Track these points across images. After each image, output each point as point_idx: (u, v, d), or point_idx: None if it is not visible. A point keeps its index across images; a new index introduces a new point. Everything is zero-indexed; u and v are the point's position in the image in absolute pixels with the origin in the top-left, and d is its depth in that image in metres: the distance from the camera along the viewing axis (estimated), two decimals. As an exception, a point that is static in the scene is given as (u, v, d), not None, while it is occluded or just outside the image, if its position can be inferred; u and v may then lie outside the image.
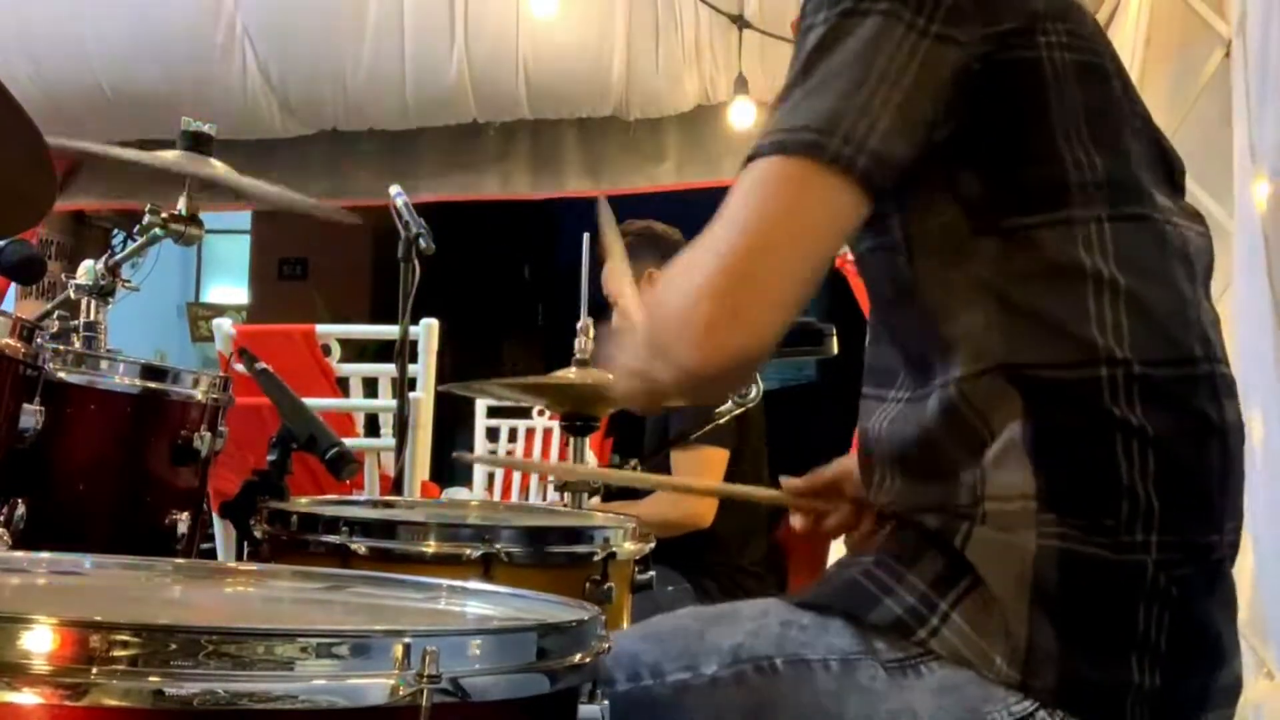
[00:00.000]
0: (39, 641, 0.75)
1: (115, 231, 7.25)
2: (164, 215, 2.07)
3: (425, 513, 1.85)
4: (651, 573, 1.70)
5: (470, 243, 6.63)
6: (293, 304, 7.75)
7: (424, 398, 3.14)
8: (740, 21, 4.45)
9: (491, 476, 4.62)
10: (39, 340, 1.66)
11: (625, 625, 1.64)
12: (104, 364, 1.77)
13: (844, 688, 1.11)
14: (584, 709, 0.93)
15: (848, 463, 1.44)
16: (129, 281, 2.08)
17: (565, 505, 2.07)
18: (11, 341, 1.59)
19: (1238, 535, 1.16)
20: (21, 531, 1.62)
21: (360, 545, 1.45)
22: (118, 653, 0.75)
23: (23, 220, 2.05)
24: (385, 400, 3.24)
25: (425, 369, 3.19)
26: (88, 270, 2.01)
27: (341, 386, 3.39)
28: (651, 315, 1.13)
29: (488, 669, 0.85)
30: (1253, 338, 1.98)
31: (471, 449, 4.61)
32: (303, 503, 1.71)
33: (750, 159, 1.08)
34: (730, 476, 3.01)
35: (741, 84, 4.50)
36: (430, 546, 1.48)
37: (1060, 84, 1.12)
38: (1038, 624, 1.05)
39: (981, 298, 1.11)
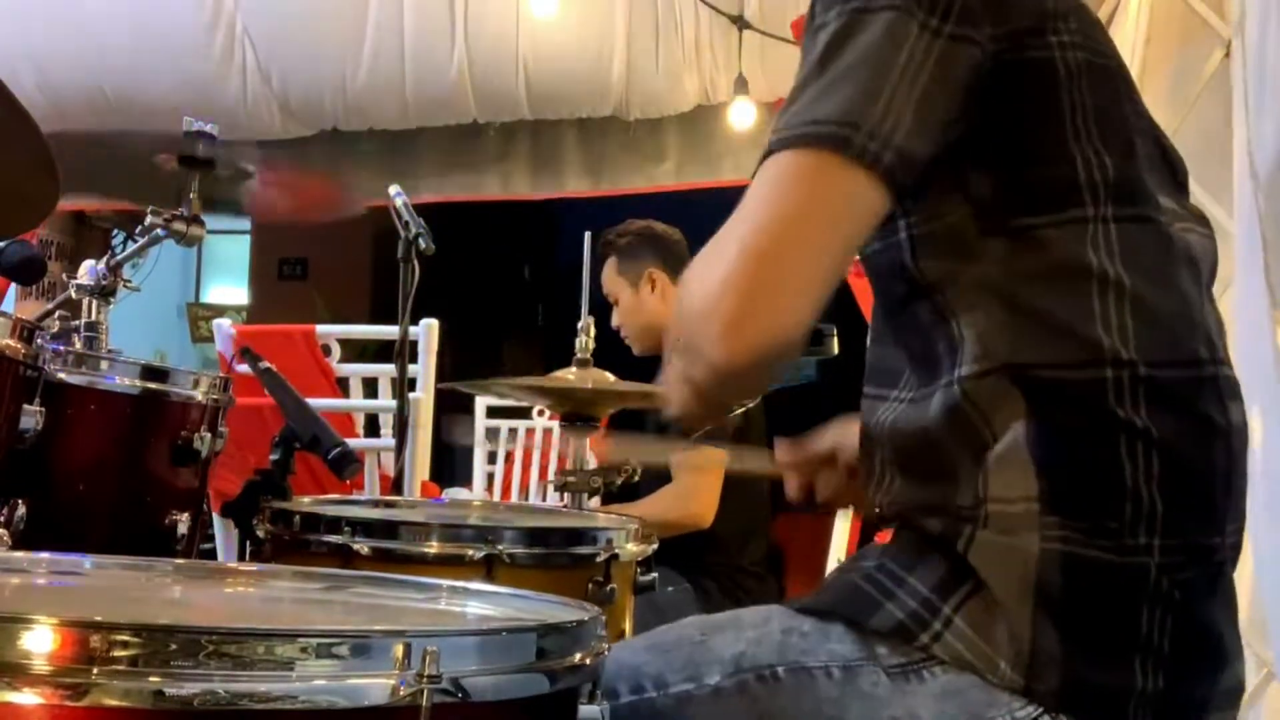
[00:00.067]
0: (39, 641, 0.75)
1: (115, 231, 7.25)
2: (165, 215, 2.08)
3: (427, 513, 1.85)
4: (654, 574, 1.70)
5: (470, 243, 6.63)
6: (293, 304, 7.75)
7: (424, 398, 3.14)
8: (740, 21, 4.45)
9: (492, 476, 4.62)
10: (39, 341, 1.66)
11: (627, 626, 1.64)
12: (104, 364, 1.77)
13: (846, 694, 1.11)
14: (584, 709, 0.93)
15: (842, 431, 1.44)
16: (130, 281, 2.09)
17: (566, 506, 2.07)
18: (11, 342, 1.59)
19: (1240, 537, 1.15)
20: (21, 532, 1.62)
21: (362, 546, 1.45)
22: (118, 653, 0.75)
23: (24, 221, 2.05)
24: (385, 400, 3.24)
25: (425, 369, 3.19)
26: (88, 270, 2.02)
27: (341, 386, 3.39)
28: (679, 314, 1.12)
29: (488, 669, 0.85)
30: (1251, 339, 1.99)
31: (471, 449, 4.61)
32: (305, 503, 1.71)
33: (770, 152, 1.07)
34: (729, 476, 3.01)
35: (741, 84, 4.50)
36: (432, 547, 1.48)
37: (1072, 83, 1.12)
38: (1041, 628, 1.05)
39: (987, 298, 1.10)
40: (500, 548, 1.46)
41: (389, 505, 1.96)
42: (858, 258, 1.21)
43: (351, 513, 1.56)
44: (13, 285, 4.93)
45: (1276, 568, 2.01)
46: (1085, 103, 1.12)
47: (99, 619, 0.78)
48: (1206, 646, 1.10)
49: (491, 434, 4.59)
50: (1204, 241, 1.21)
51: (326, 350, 3.35)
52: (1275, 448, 1.92)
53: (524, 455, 4.59)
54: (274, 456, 1.70)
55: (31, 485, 1.66)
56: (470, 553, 1.46)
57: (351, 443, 1.77)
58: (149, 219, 2.08)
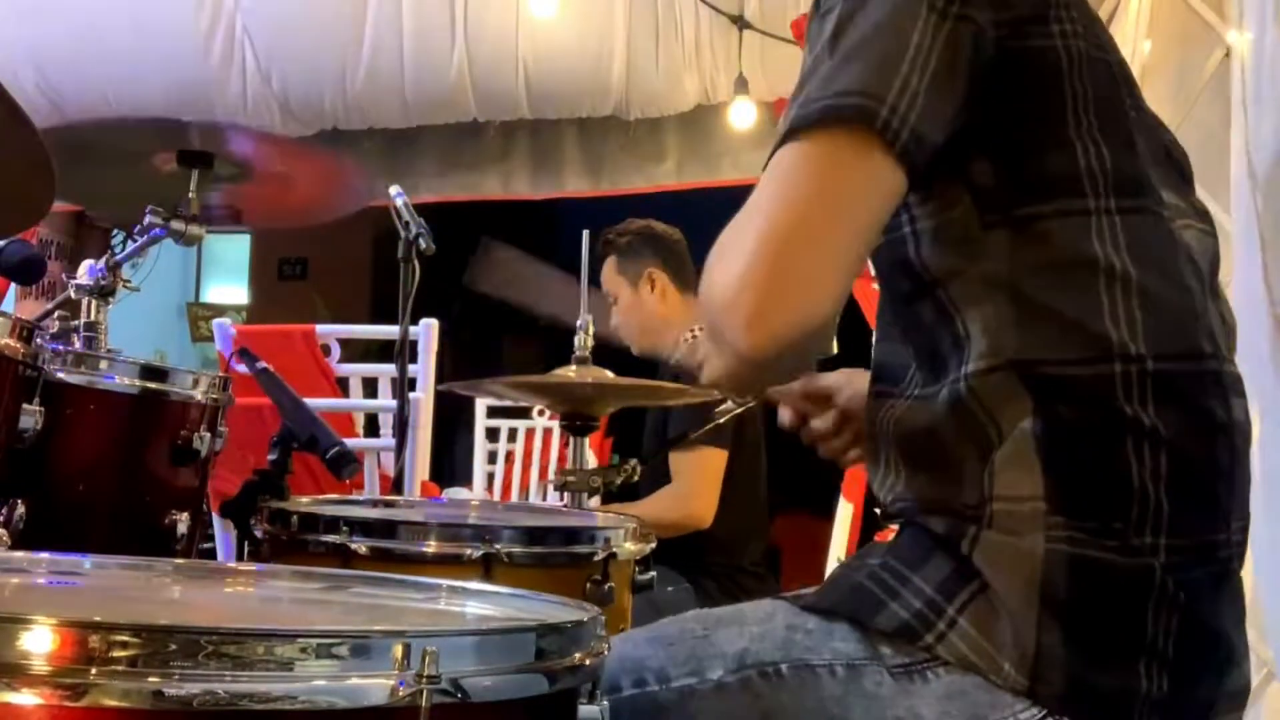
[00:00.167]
0: (39, 641, 0.75)
1: (115, 231, 7.24)
2: (165, 215, 2.08)
3: (425, 513, 1.85)
4: (652, 573, 1.70)
5: (470, 243, 6.61)
6: (293, 304, 7.75)
7: (424, 398, 3.14)
8: (740, 22, 4.44)
9: (491, 476, 4.62)
10: (39, 340, 1.66)
11: (626, 625, 1.64)
12: (104, 364, 1.77)
13: (849, 693, 1.11)
14: (584, 709, 0.93)
15: (848, 375, 1.43)
16: (129, 281, 2.09)
17: (565, 505, 2.07)
18: (11, 341, 1.59)
19: (1245, 535, 1.15)
20: (21, 531, 1.62)
21: (361, 545, 1.45)
22: (117, 653, 0.75)
23: (23, 220, 2.05)
24: (385, 400, 3.24)
25: (425, 369, 3.19)
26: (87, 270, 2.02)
27: (341, 386, 3.39)
28: (702, 303, 1.11)
29: (487, 669, 0.84)
30: (1249, 337, 1.98)
31: (471, 449, 4.61)
32: (303, 502, 1.71)
33: (790, 132, 1.05)
34: (729, 476, 3.02)
35: (741, 84, 4.50)
36: (431, 546, 1.48)
37: (1073, 72, 1.12)
38: (1045, 629, 1.04)
39: (993, 293, 1.10)
40: (498, 547, 1.46)
41: (387, 505, 1.96)
42: None
43: (349, 512, 1.56)
44: (12, 285, 4.93)
45: (1275, 567, 2.01)
46: (1086, 93, 1.12)
47: (98, 619, 0.78)
48: (1212, 648, 1.10)
49: (491, 434, 4.59)
50: (1205, 239, 1.20)
51: (326, 350, 3.35)
52: (1273, 447, 1.92)
53: (524, 455, 4.60)
54: (272, 457, 1.70)
55: (31, 485, 1.65)
56: (468, 552, 1.46)
57: (351, 443, 1.77)
58: (148, 218, 2.08)
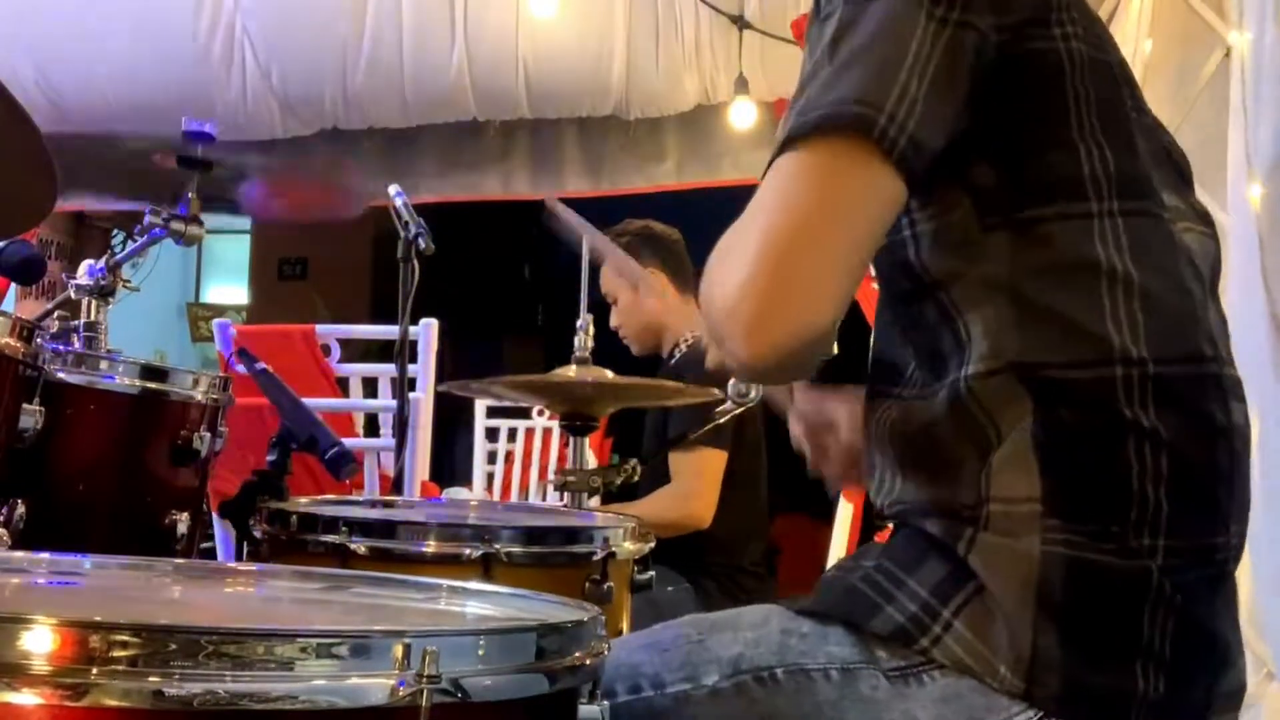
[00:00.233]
0: (39, 641, 0.75)
1: (115, 231, 7.25)
2: (165, 215, 2.08)
3: (425, 513, 1.85)
4: (651, 572, 1.70)
5: (470, 243, 6.62)
6: (293, 304, 7.75)
7: (424, 398, 3.14)
8: (740, 21, 4.44)
9: (491, 476, 4.62)
10: (39, 340, 1.66)
11: (625, 625, 1.64)
12: (104, 364, 1.78)
13: (845, 697, 1.11)
14: (584, 709, 0.93)
15: (855, 404, 1.42)
16: (129, 281, 2.09)
17: (565, 505, 2.07)
18: (11, 341, 1.59)
19: (1242, 539, 1.15)
20: (21, 531, 1.62)
21: (360, 545, 1.45)
22: (118, 653, 0.75)
23: (23, 220, 2.05)
24: (385, 400, 3.24)
25: (425, 369, 3.19)
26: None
27: (341, 386, 3.39)
28: (703, 310, 1.11)
29: (488, 669, 0.85)
30: (1247, 338, 1.99)
31: (471, 449, 4.61)
32: (302, 503, 1.71)
33: (789, 139, 1.05)
34: (729, 476, 3.01)
35: (741, 84, 4.50)
36: (430, 546, 1.48)
37: (1075, 75, 1.11)
38: (1042, 631, 1.04)
39: (995, 295, 1.09)
40: (497, 546, 1.46)
41: (386, 505, 1.96)
42: None
43: (348, 512, 1.56)
44: (12, 285, 4.93)
45: (1275, 567, 2.01)
46: (1088, 95, 1.12)
47: (99, 619, 0.78)
48: (1208, 649, 1.10)
49: (491, 434, 4.60)
50: (1205, 241, 1.20)
51: (326, 350, 3.35)
52: (1272, 447, 1.92)
53: (524, 455, 4.60)
54: (271, 457, 1.70)
55: (31, 485, 1.66)
56: (468, 552, 1.46)
57: (351, 443, 1.77)
58: (148, 219, 2.08)
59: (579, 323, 2.18)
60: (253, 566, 1.31)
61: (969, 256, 1.11)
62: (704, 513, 2.97)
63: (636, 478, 2.04)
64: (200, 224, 2.11)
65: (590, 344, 2.17)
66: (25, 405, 1.62)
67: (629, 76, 4.67)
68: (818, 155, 1.04)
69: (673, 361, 3.21)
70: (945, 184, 1.11)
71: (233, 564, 1.39)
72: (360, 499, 2.28)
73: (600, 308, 3.17)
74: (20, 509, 1.63)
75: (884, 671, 1.09)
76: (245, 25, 4.60)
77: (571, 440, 2.18)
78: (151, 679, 0.75)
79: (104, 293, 2.02)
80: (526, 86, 4.73)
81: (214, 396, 1.88)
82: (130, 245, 2.10)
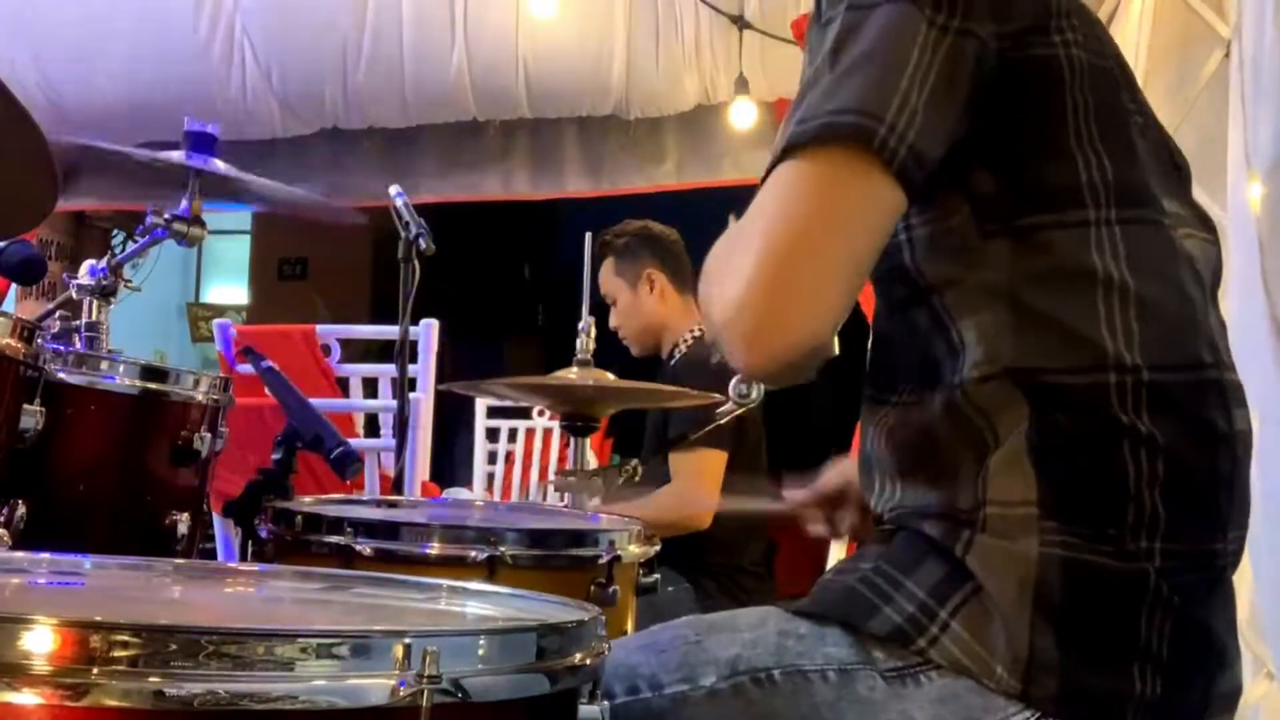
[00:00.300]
0: (39, 641, 0.75)
1: (115, 231, 7.25)
2: (166, 215, 2.08)
3: (429, 514, 1.85)
4: (656, 575, 1.70)
5: (470, 243, 6.62)
6: (293, 304, 7.75)
7: (424, 398, 3.14)
8: (740, 21, 4.44)
9: (491, 476, 4.62)
10: (39, 340, 1.66)
11: (630, 628, 1.64)
12: (104, 364, 1.77)
13: (842, 698, 1.11)
14: (584, 709, 0.94)
15: (845, 468, 1.44)
16: (130, 281, 2.09)
17: (565, 506, 2.07)
18: (12, 342, 1.59)
19: (1242, 543, 1.15)
20: (21, 531, 1.62)
21: (365, 547, 1.45)
22: (118, 653, 0.75)
23: (24, 221, 2.05)
24: (385, 400, 3.24)
25: (425, 369, 3.19)
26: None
27: (341, 386, 3.39)
28: (704, 316, 1.11)
29: (488, 669, 0.85)
30: (1247, 340, 1.99)
31: (471, 449, 4.61)
32: (307, 502, 1.71)
33: (788, 148, 1.05)
34: (728, 477, 3.01)
35: (742, 84, 4.50)
36: (435, 548, 1.47)
37: (1074, 82, 1.11)
38: (1039, 633, 1.04)
39: (991, 301, 1.10)
40: (502, 549, 1.46)
41: (391, 505, 1.96)
42: None
43: (354, 513, 1.56)
44: (13, 285, 4.94)
45: (1275, 568, 2.01)
46: (1087, 102, 1.12)
47: (99, 619, 0.78)
48: (1205, 651, 1.10)
49: (491, 434, 4.60)
50: (1206, 247, 1.20)
51: (326, 350, 3.35)
52: (1272, 451, 1.92)
53: (524, 455, 4.60)
54: (276, 456, 1.70)
55: (31, 485, 1.65)
56: (473, 554, 1.45)
57: (352, 443, 1.77)
58: (149, 219, 2.08)
59: (581, 324, 2.18)
60: (253, 567, 1.31)
61: (967, 262, 1.11)
62: (705, 513, 2.97)
63: (637, 478, 2.04)
64: (201, 224, 2.11)
65: (592, 345, 2.17)
66: (26, 405, 1.62)
67: (629, 76, 4.67)
68: (817, 165, 1.04)
69: (672, 363, 3.21)
70: (945, 190, 1.11)
71: (233, 564, 1.39)
72: (364, 499, 2.28)
73: (601, 309, 3.17)
74: (20, 509, 1.63)
75: (881, 672, 1.09)
76: (245, 25, 4.60)
77: (572, 441, 2.18)
78: (152, 679, 0.75)
79: (105, 293, 2.02)
80: (526, 86, 4.73)
81: (214, 397, 1.88)
82: (131, 245, 2.10)
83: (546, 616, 1.04)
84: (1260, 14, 2.14)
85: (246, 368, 1.96)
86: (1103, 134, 1.12)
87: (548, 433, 4.58)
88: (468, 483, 4.61)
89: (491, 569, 1.45)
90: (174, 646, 0.76)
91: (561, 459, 4.49)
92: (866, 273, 1.07)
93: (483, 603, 1.15)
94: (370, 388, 3.42)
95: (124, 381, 1.77)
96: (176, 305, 9.33)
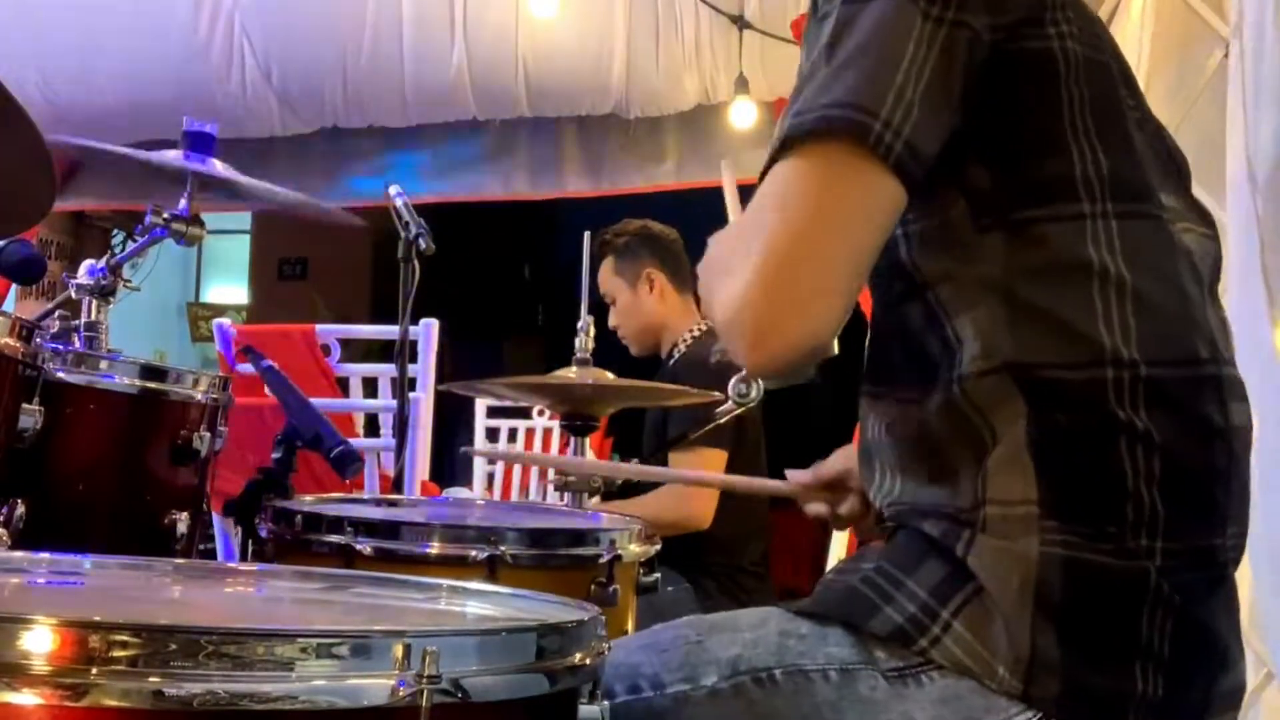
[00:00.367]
0: (39, 641, 0.75)
1: (115, 231, 7.25)
2: (166, 215, 2.08)
3: (429, 513, 1.85)
4: (657, 575, 1.70)
5: (470, 243, 6.62)
6: (293, 304, 7.75)
7: (424, 398, 3.14)
8: (740, 21, 4.44)
9: (491, 476, 4.62)
10: (39, 340, 1.66)
11: (630, 627, 1.64)
12: (103, 364, 1.77)
13: (843, 698, 1.10)
14: (584, 709, 0.93)
15: (849, 454, 1.43)
16: (129, 281, 2.09)
17: (565, 505, 2.07)
18: (11, 341, 1.59)
19: (1242, 540, 1.14)
20: (21, 531, 1.62)
21: (365, 546, 1.45)
22: (118, 653, 0.75)
23: (23, 220, 2.05)
24: (385, 400, 3.24)
25: (425, 369, 3.19)
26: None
27: (341, 386, 3.39)
28: (707, 310, 1.11)
29: (488, 669, 0.85)
30: (1248, 340, 1.98)
31: (472, 448, 4.61)
32: (307, 502, 1.71)
33: (784, 143, 1.05)
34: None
35: (742, 84, 4.50)
36: (435, 548, 1.47)
37: (1070, 75, 1.11)
38: (1040, 632, 1.04)
39: (988, 296, 1.09)
40: (503, 549, 1.46)
41: (391, 505, 1.96)
42: None
43: (354, 513, 1.56)
44: (12, 285, 4.94)
45: (1275, 567, 2.01)
46: (1083, 95, 1.12)
47: (99, 619, 0.78)
48: (1207, 649, 1.09)
49: (491, 434, 4.60)
50: (1205, 242, 1.20)
51: (326, 350, 3.35)
52: (1271, 448, 1.92)
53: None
54: (276, 455, 1.70)
55: (31, 485, 1.65)
56: (473, 553, 1.45)
57: (352, 443, 1.77)
58: (149, 218, 2.08)
59: (580, 324, 2.18)
60: (253, 566, 1.31)
61: (963, 257, 1.11)
62: (704, 513, 2.97)
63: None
64: (201, 224, 2.11)
65: (591, 345, 2.17)
66: (25, 405, 1.62)
67: (629, 76, 4.67)
68: (814, 161, 1.05)
69: (671, 362, 3.21)
70: (941, 184, 1.10)
71: (233, 564, 1.39)
72: (365, 498, 2.28)
73: (600, 308, 3.17)
74: (20, 509, 1.63)
75: (883, 672, 1.09)
76: (244, 24, 4.60)
77: (572, 440, 2.18)
78: (151, 679, 0.75)
79: (104, 293, 2.02)
80: (526, 86, 4.73)
81: (214, 396, 1.88)
82: (130, 245, 2.10)
83: (546, 616, 1.04)
84: (1260, 14, 2.14)
85: (246, 367, 1.96)
86: (1099, 127, 1.12)
87: (548, 432, 4.58)
88: (468, 482, 4.61)
89: (492, 568, 1.45)
90: (174, 646, 0.76)
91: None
92: (869, 268, 1.07)
93: (483, 603, 1.15)
94: (370, 388, 3.42)
95: (123, 381, 1.77)
96: (176, 305, 9.33)
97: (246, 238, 8.91)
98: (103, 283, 2.01)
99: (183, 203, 2.09)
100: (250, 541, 1.60)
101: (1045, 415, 1.07)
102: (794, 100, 1.08)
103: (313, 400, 1.89)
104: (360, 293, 8.04)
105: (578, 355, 2.15)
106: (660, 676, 1.17)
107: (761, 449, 3.18)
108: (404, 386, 2.86)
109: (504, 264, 8.35)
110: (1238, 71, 2.21)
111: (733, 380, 1.76)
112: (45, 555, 1.19)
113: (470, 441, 4.58)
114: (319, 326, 3.38)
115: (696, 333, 3.20)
